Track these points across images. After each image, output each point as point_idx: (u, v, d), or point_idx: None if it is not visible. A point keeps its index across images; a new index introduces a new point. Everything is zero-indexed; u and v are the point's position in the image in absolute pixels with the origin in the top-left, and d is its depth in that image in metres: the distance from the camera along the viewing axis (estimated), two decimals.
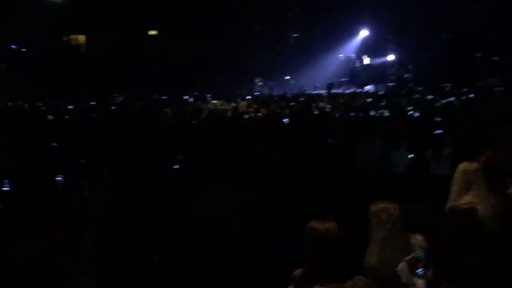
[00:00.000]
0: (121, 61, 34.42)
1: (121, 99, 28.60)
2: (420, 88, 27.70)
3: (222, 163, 9.33)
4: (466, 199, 5.24)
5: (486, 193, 5.22)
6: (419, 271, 4.83)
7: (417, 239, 5.13)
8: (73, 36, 38.40)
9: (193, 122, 15.61)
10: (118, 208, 7.48)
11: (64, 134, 13.15)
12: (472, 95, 22.62)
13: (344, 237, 4.45)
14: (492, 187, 5.25)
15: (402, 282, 4.81)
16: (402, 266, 4.89)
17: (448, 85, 28.10)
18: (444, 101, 20.29)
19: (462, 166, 5.59)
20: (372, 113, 16.85)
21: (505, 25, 31.29)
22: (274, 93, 33.49)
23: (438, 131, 10.64)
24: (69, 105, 23.05)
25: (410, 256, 4.92)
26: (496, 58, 31.94)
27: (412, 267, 4.84)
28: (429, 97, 22.68)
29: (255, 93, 34.54)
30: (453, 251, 4.87)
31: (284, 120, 15.21)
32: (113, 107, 23.75)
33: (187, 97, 29.55)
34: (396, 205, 5.01)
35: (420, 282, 4.75)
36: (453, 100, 20.16)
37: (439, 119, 14.28)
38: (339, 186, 8.56)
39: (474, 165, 5.51)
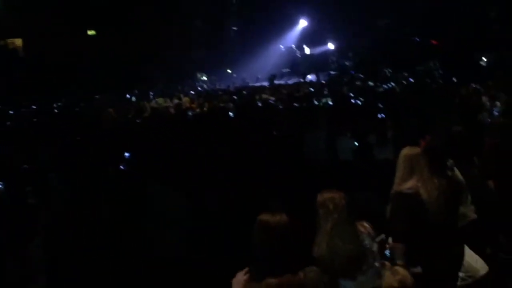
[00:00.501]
0: (61, 63, 33.90)
1: (62, 102, 28.11)
2: (361, 75, 27.98)
3: (168, 161, 9.30)
4: (410, 184, 5.33)
5: (429, 176, 5.32)
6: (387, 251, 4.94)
7: (364, 226, 5.19)
8: (10, 40, 37.68)
9: (137, 121, 15.49)
10: (66, 212, 7.40)
11: (5, 139, 12.92)
12: (412, 80, 22.98)
13: (295, 228, 4.47)
14: (434, 170, 5.35)
15: (356, 267, 4.88)
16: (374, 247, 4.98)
17: (389, 70, 28.46)
18: (385, 86, 20.56)
19: (405, 151, 5.67)
20: (316, 102, 16.97)
21: (442, 8, 31.83)
22: (217, 87, 33.41)
23: (381, 116, 10.76)
24: (10, 110, 22.66)
25: (380, 238, 5.01)
26: (434, 41, 32.45)
27: (381, 247, 4.94)
28: (370, 83, 22.94)
29: (198, 89, 34.41)
30: (401, 234, 4.96)
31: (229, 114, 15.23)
32: (55, 110, 23.43)
33: (129, 95, 29.24)
34: (342, 194, 5.04)
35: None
36: (394, 85, 20.44)
37: (381, 105, 14.49)
38: (286, 177, 8.60)
39: (416, 149, 5.61)
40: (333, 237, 4.88)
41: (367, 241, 5.07)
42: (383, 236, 5.37)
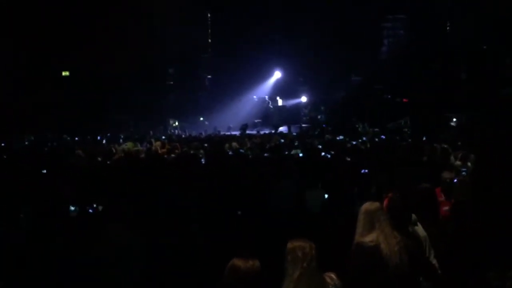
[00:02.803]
0: (33, 102, 33.78)
1: (32, 139, 27.93)
2: (331, 129, 28.24)
3: (137, 204, 9.25)
4: (370, 237, 5.35)
5: (389, 232, 5.34)
6: None
7: (331, 277, 5.18)
8: None
9: (107, 163, 15.43)
10: (35, 247, 7.34)
11: None
12: (383, 137, 23.22)
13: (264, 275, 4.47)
14: (395, 225, 5.38)
15: None
16: None
17: (360, 125, 28.76)
18: (354, 142, 20.73)
19: (365, 206, 5.71)
20: (286, 153, 17.05)
21: (415, 67, 32.42)
22: (188, 134, 33.43)
23: (364, 171, 10.87)
24: None
25: None
26: (405, 99, 32.94)
27: None
28: (340, 137, 23.14)
29: (169, 134, 34.42)
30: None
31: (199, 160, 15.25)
32: (23, 147, 23.29)
33: (99, 137, 29.12)
34: (312, 244, 5.05)
35: None
36: (365, 140, 20.62)
37: (348, 159, 14.61)
38: (255, 226, 8.60)
39: (376, 205, 5.64)
40: (299, 286, 4.86)
41: None
42: None
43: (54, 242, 7.57)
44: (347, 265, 5.56)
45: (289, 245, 5.06)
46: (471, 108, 28.03)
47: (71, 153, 17.49)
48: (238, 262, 4.43)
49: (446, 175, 9.59)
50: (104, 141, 26.83)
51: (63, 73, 38.80)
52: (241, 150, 18.28)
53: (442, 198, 9.04)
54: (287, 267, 5.00)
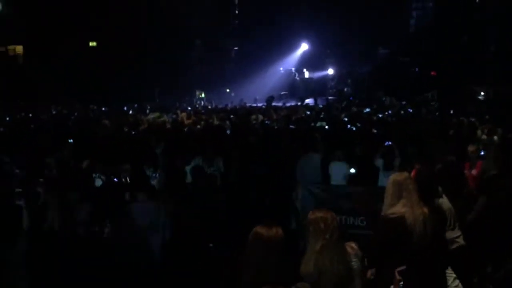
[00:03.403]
0: (60, 72, 34.00)
1: (59, 110, 28.13)
2: (357, 102, 28.09)
3: (162, 175, 9.31)
4: (396, 208, 5.32)
5: (416, 202, 5.31)
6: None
7: (352, 247, 5.17)
8: (11, 47, 37.80)
9: (132, 133, 15.49)
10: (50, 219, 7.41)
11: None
12: (410, 110, 23.05)
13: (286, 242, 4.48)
14: (421, 196, 5.35)
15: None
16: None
17: (387, 98, 28.58)
18: (380, 115, 20.60)
19: (393, 176, 5.66)
20: (312, 125, 17.01)
21: (443, 41, 32.04)
22: (214, 106, 33.45)
23: (388, 143, 10.79)
24: (6, 116, 22.69)
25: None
26: (433, 72, 32.62)
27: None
28: (367, 110, 23.00)
29: (196, 106, 34.48)
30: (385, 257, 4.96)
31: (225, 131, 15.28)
32: (50, 117, 23.46)
33: (126, 108, 29.25)
34: (333, 214, 5.02)
35: None
36: (390, 114, 20.49)
37: (375, 131, 14.54)
38: (278, 197, 8.62)
39: (404, 175, 5.60)
40: (322, 257, 4.85)
41: (354, 262, 5.06)
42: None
43: (82, 211, 7.65)
44: (373, 235, 5.55)
45: (311, 215, 5.03)
46: (500, 82, 27.70)
47: (97, 123, 17.61)
48: (261, 229, 4.44)
49: (471, 148, 9.52)
50: (130, 112, 26.94)
51: (90, 44, 38.96)
52: (266, 122, 18.27)
53: (467, 171, 8.99)
54: (309, 238, 4.98)
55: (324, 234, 4.91)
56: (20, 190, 7.29)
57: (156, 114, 21.59)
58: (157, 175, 9.32)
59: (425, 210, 5.24)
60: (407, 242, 5.07)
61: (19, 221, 6.50)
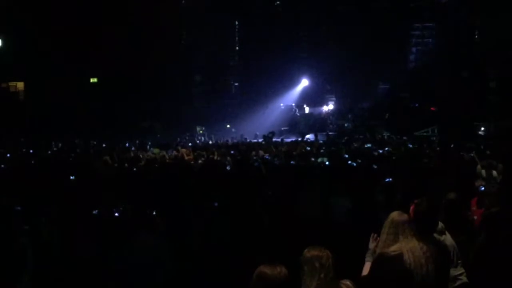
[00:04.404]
0: (61, 108, 34.15)
1: (59, 146, 28.18)
2: (357, 137, 28.14)
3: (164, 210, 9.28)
4: (395, 247, 5.28)
5: (414, 242, 5.26)
6: None
7: (347, 285, 5.13)
8: (12, 83, 38.03)
9: (133, 169, 15.50)
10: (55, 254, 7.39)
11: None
12: (410, 145, 23.07)
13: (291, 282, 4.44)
14: (420, 234, 5.30)
15: None
16: None
17: (387, 134, 28.63)
18: (381, 151, 20.61)
19: (393, 215, 5.64)
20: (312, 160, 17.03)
21: (444, 77, 32.20)
22: (214, 141, 33.51)
23: (388, 179, 10.76)
24: (7, 152, 22.74)
25: None
26: (433, 108, 32.72)
27: None
28: (367, 145, 23.03)
29: (196, 141, 34.56)
30: None
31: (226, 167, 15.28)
32: (51, 154, 23.51)
33: (127, 144, 29.29)
34: (328, 253, 4.99)
35: None
36: (390, 149, 20.51)
37: (375, 167, 14.52)
38: (278, 233, 8.57)
39: (404, 216, 5.57)
40: None
41: None
42: None
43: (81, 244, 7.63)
44: (369, 274, 5.49)
45: (306, 254, 5.01)
46: (500, 117, 27.76)
47: (98, 160, 17.62)
48: (265, 269, 4.40)
49: (477, 183, 9.52)
50: (132, 148, 26.97)
51: (91, 80, 39.17)
52: (266, 157, 18.27)
53: (474, 207, 8.95)
54: (304, 277, 4.95)
55: (319, 273, 4.88)
56: (26, 227, 7.29)
57: (156, 150, 21.64)
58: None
59: (425, 248, 5.20)
60: (407, 281, 5.01)
61: (23, 259, 6.48)
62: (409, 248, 5.18)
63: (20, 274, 6.33)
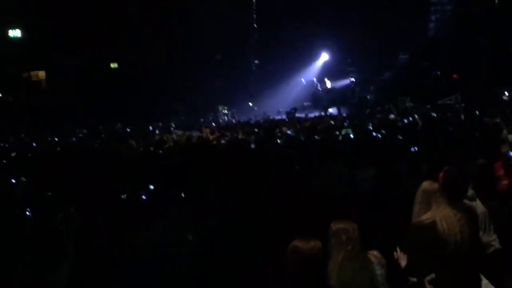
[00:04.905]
0: (83, 95, 34.34)
1: (84, 133, 28.36)
2: (381, 108, 27.98)
3: (189, 191, 9.33)
4: (427, 215, 5.26)
5: (447, 209, 5.25)
6: None
7: (375, 255, 5.14)
8: (34, 72, 38.22)
9: (159, 152, 15.55)
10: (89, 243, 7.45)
11: (29, 169, 13.03)
12: (434, 114, 22.89)
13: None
14: (451, 202, 5.29)
15: None
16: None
17: (410, 104, 28.42)
18: (406, 120, 20.50)
19: (424, 185, 5.63)
20: (337, 133, 17.00)
21: (463, 42, 31.86)
22: (237, 120, 33.53)
23: (413, 149, 10.73)
24: (33, 141, 22.92)
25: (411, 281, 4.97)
26: (455, 76, 32.39)
27: None
28: (392, 116, 22.90)
29: (219, 121, 34.62)
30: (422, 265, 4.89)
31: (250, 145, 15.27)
32: (75, 141, 23.70)
33: (151, 127, 29.41)
34: (355, 225, 5.01)
35: None
36: (417, 119, 20.37)
37: (400, 137, 14.44)
38: (305, 209, 8.58)
39: (435, 185, 5.55)
40: (344, 268, 4.85)
41: (378, 271, 5.04)
42: (414, 280, 5.28)
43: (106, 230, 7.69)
44: (405, 243, 5.49)
45: (333, 227, 5.04)
46: None
47: (123, 144, 17.71)
48: (299, 243, 4.42)
49: (504, 149, 9.45)
50: (156, 131, 27.06)
51: (112, 65, 39.28)
52: (289, 133, 18.25)
53: (501, 172, 8.89)
54: (331, 250, 4.97)
55: (346, 245, 4.92)
56: (61, 214, 7.36)
57: (180, 132, 21.71)
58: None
59: (457, 214, 5.19)
60: (442, 248, 5.01)
61: (61, 245, 6.54)
62: (442, 215, 5.18)
63: (60, 261, 6.39)
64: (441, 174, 5.62)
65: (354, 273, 4.82)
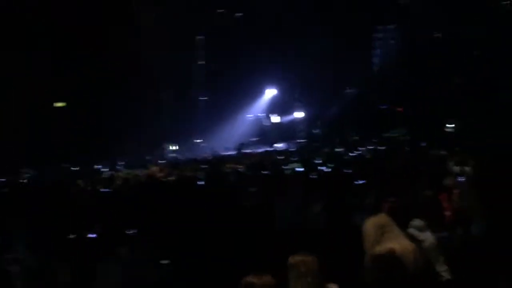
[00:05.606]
0: (28, 134, 33.74)
1: (30, 173, 27.85)
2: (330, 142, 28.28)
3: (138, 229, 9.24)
4: (384, 245, 5.31)
5: (403, 241, 5.32)
6: None
7: None
8: None
9: (106, 191, 15.41)
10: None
11: None
12: (381, 147, 23.25)
13: None
14: (404, 234, 5.36)
15: None
16: None
17: (356, 137, 28.79)
18: (352, 154, 20.76)
19: (373, 219, 5.67)
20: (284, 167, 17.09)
21: (408, 77, 32.46)
22: (185, 157, 33.43)
23: (360, 182, 10.85)
24: None
25: None
26: (400, 109, 32.94)
27: None
28: (338, 150, 23.17)
29: (168, 158, 34.45)
30: None
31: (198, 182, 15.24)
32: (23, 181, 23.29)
33: (99, 167, 29.09)
34: (314, 257, 5.03)
35: None
36: (363, 151, 20.66)
37: (349, 171, 14.60)
38: (258, 245, 8.58)
39: (385, 217, 5.62)
40: None
41: None
42: None
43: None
44: (365, 277, 5.50)
45: (291, 260, 5.04)
46: (467, 113, 28.05)
47: (71, 184, 17.49)
48: (252, 278, 4.41)
49: (448, 181, 9.63)
50: (104, 169, 26.78)
51: (57, 104, 38.74)
52: (240, 170, 18.29)
53: (445, 203, 9.05)
54: (290, 283, 4.97)
55: (306, 277, 4.91)
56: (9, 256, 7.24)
57: (127, 171, 21.57)
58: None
59: (412, 244, 5.26)
60: (400, 277, 5.04)
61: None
62: (398, 246, 5.23)
63: None
64: (387, 205, 5.70)
65: None
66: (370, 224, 5.63)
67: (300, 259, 5.00)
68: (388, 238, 5.37)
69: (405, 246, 5.22)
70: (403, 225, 5.56)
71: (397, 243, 5.26)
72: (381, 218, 5.63)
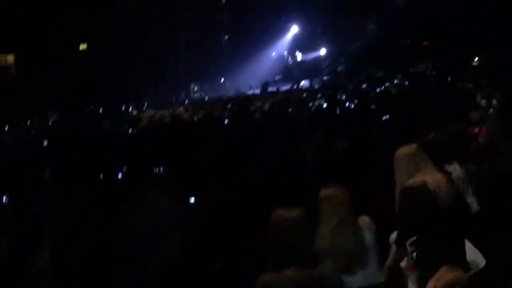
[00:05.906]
0: (52, 78, 33.85)
1: (56, 116, 28.09)
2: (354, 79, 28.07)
3: (165, 169, 9.31)
4: (416, 178, 5.28)
5: (436, 174, 5.29)
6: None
7: (365, 221, 5.18)
8: (2, 57, 37.63)
9: (132, 132, 15.51)
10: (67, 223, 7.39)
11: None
12: (406, 82, 23.04)
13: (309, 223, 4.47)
14: (436, 165, 5.34)
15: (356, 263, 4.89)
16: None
17: (381, 73, 28.53)
18: (378, 89, 20.62)
19: (403, 150, 5.62)
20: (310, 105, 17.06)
21: (432, 8, 31.87)
22: (210, 96, 33.48)
23: (386, 117, 10.80)
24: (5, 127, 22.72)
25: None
26: (425, 42, 32.47)
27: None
28: (364, 86, 23.02)
29: (192, 98, 34.52)
30: (413, 227, 4.90)
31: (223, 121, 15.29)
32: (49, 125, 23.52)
33: (124, 107, 29.24)
34: (345, 190, 5.04)
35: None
36: (388, 87, 20.50)
37: (374, 107, 14.54)
38: (283, 181, 8.61)
39: (414, 147, 5.57)
40: (336, 233, 4.87)
41: (368, 236, 5.07)
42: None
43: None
44: (395, 210, 5.49)
45: (324, 192, 5.05)
46: (493, 45, 27.58)
47: (98, 125, 17.63)
48: (281, 212, 4.42)
49: (473, 114, 9.58)
50: (130, 109, 26.92)
51: (81, 47, 38.78)
52: (264, 108, 18.27)
53: (473, 137, 9.02)
54: (322, 215, 4.99)
55: (339, 210, 4.93)
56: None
57: (151, 113, 21.60)
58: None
59: (444, 177, 5.24)
60: (432, 209, 5.02)
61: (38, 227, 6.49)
62: (431, 178, 5.19)
63: (37, 244, 6.34)
64: (421, 140, 5.66)
65: (345, 237, 4.85)
66: (401, 157, 5.60)
67: (332, 191, 5.02)
68: (420, 170, 5.34)
69: (437, 178, 5.19)
70: (433, 158, 5.52)
71: (429, 175, 5.23)
72: (413, 150, 5.59)
